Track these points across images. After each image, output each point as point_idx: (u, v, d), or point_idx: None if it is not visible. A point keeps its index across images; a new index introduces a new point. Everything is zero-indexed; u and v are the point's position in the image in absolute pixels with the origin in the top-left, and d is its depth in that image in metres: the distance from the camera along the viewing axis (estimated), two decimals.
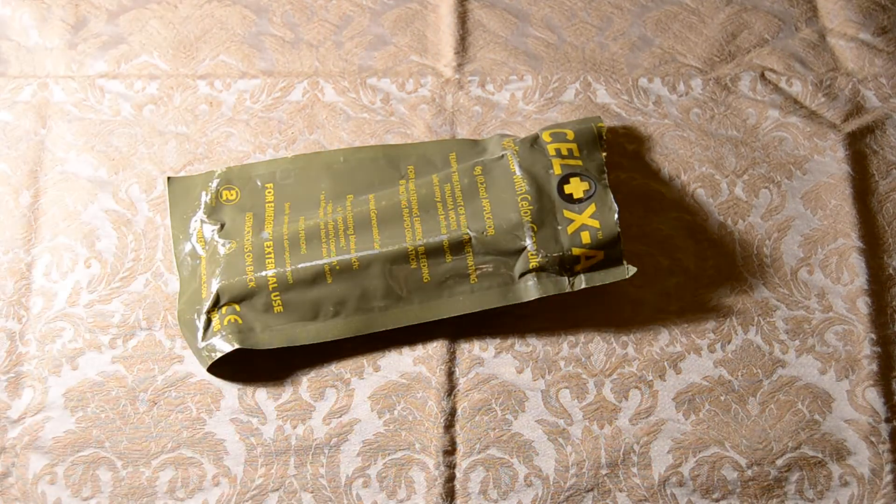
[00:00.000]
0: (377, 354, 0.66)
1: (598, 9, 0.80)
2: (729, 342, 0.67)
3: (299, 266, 0.65)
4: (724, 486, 0.62)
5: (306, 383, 0.65)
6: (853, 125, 0.74)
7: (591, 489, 0.62)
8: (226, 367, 0.65)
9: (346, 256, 0.65)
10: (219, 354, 0.63)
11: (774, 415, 0.64)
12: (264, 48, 0.77)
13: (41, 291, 0.68)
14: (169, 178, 0.70)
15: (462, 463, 0.63)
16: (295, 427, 0.64)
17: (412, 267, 0.65)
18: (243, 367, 0.65)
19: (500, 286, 0.66)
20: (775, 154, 0.73)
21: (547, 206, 0.66)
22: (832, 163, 0.72)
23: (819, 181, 0.72)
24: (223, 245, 0.66)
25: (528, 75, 0.76)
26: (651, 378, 0.65)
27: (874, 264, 0.69)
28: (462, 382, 0.65)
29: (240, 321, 0.64)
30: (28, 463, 0.63)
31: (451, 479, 0.62)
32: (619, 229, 0.65)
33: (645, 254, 0.70)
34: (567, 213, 0.66)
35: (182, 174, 0.72)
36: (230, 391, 0.65)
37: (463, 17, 0.78)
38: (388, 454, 0.63)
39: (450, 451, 0.63)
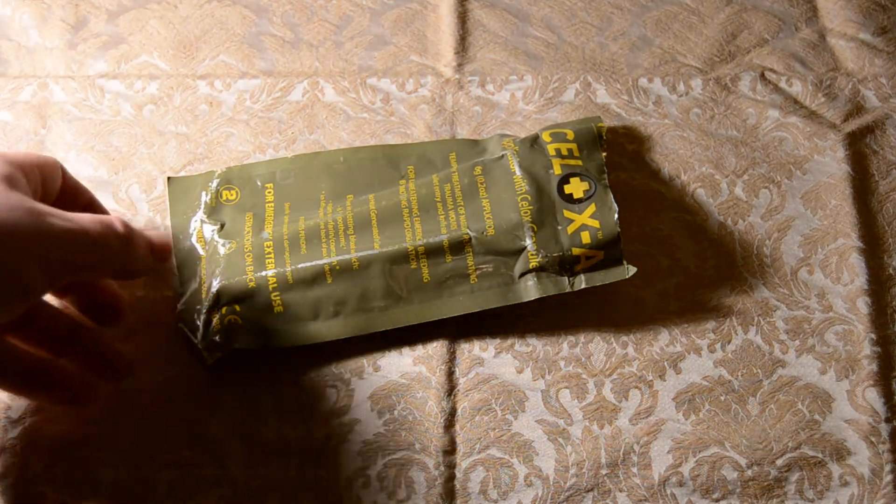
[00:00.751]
0: (377, 354, 0.66)
1: (598, 9, 0.80)
2: (729, 342, 0.67)
3: (299, 266, 0.65)
4: (724, 486, 0.62)
5: (306, 383, 0.65)
6: (853, 125, 0.74)
7: (591, 489, 0.62)
8: (226, 368, 0.65)
9: (346, 256, 0.65)
10: (219, 354, 0.63)
11: (774, 415, 0.64)
12: (264, 48, 0.77)
13: None
14: (169, 178, 0.70)
15: (462, 463, 0.63)
16: (295, 428, 0.64)
17: (412, 267, 0.65)
18: (243, 367, 0.65)
19: (500, 286, 0.66)
20: (775, 154, 0.73)
21: (547, 206, 0.66)
22: (832, 163, 0.72)
23: (819, 181, 0.72)
24: (223, 245, 0.66)
25: (528, 75, 0.76)
26: (651, 378, 0.65)
27: (874, 264, 0.69)
28: (462, 382, 0.65)
29: (240, 321, 0.64)
30: None
31: (451, 479, 0.62)
32: (619, 229, 0.65)
33: (645, 254, 0.69)
34: (567, 213, 0.66)
35: (182, 174, 0.72)
36: (231, 392, 0.65)
37: (463, 17, 0.78)
38: (388, 454, 0.63)
39: (450, 451, 0.63)
